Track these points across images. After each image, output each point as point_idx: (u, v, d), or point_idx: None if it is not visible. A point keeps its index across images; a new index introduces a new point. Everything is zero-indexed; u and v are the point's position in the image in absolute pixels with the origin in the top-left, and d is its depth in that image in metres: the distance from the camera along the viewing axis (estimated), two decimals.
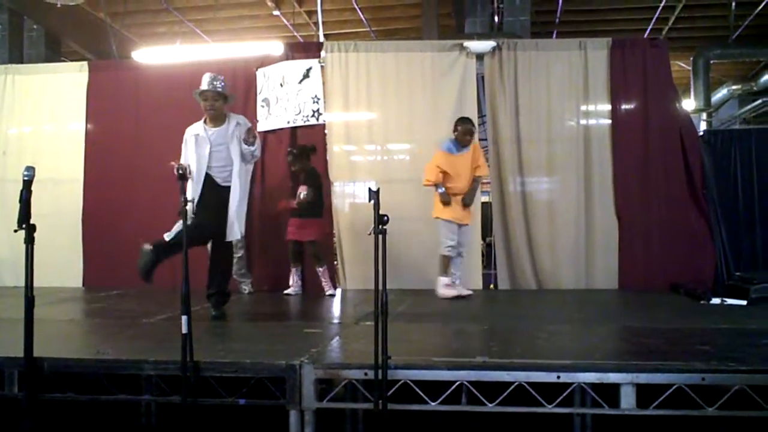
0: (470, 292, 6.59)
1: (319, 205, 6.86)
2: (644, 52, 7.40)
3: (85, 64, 8.34)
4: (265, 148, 7.67)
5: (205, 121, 5.42)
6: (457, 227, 6.53)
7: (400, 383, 3.46)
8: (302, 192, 6.57)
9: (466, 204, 6.56)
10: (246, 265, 7.17)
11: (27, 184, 3.40)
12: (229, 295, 5.57)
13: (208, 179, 5.32)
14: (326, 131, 7.58)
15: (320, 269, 6.79)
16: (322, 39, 10.70)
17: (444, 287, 6.49)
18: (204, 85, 5.32)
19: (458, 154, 6.56)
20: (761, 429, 3.88)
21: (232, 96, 5.58)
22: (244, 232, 5.59)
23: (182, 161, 5.30)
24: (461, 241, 6.58)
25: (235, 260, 7.03)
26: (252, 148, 5.35)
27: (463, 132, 6.55)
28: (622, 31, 11.86)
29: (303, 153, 6.83)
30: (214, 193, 5.29)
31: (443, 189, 6.49)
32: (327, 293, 6.75)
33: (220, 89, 5.31)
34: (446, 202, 6.49)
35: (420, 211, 7.24)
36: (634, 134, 7.30)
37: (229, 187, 5.33)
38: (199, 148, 5.32)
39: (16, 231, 3.34)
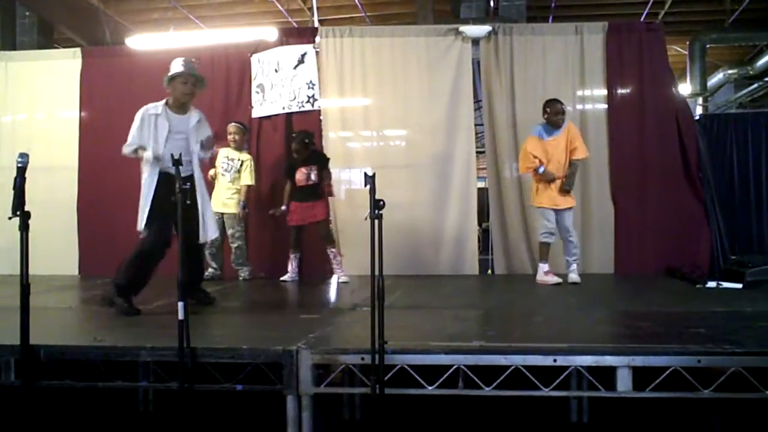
0: (577, 280, 6.35)
1: (322, 187, 6.83)
2: (640, 37, 7.38)
3: (78, 50, 8.28)
4: (260, 135, 7.68)
5: (166, 104, 5.11)
6: (554, 213, 6.38)
7: (397, 368, 3.47)
8: (313, 173, 6.58)
9: (566, 190, 6.37)
10: (245, 254, 7.16)
11: (21, 171, 3.39)
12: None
13: (162, 174, 4.98)
14: (321, 117, 7.56)
15: (333, 250, 6.74)
16: (316, 24, 10.65)
17: (543, 274, 6.42)
18: (185, 68, 5.04)
19: (549, 139, 6.40)
20: (757, 411, 3.91)
21: (204, 82, 5.29)
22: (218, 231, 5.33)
23: (133, 141, 5.04)
24: (564, 226, 6.41)
25: (232, 249, 7.05)
26: (205, 156, 5.19)
27: (554, 112, 6.38)
28: (618, 16, 11.81)
29: (310, 140, 6.77)
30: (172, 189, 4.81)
31: (543, 168, 6.32)
32: (340, 280, 6.66)
33: (196, 73, 5.10)
34: (550, 180, 6.32)
35: (416, 196, 7.26)
36: (630, 119, 7.29)
37: (187, 178, 4.77)
38: (159, 130, 5.02)
39: (10, 218, 3.33)
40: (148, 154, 4.95)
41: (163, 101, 5.13)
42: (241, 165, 7.05)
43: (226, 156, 7.09)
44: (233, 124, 7.15)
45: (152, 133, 5.01)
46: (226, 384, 3.59)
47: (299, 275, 6.94)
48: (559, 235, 6.47)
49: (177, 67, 5.09)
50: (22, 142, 7.69)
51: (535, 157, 6.36)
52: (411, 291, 6.06)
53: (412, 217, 7.23)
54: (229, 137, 7.08)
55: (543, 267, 6.46)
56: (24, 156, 3.41)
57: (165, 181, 4.88)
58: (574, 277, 6.37)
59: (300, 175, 6.62)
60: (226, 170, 7.06)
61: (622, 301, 5.77)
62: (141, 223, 5.01)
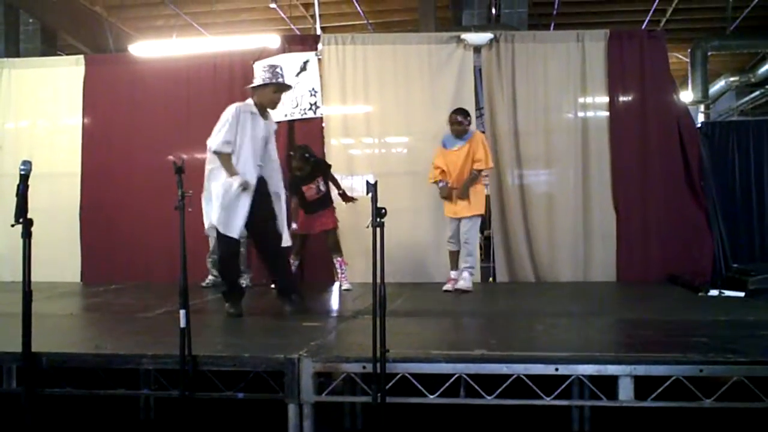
0: (468, 288, 6.40)
1: (330, 194, 6.81)
2: (642, 44, 7.39)
3: (81, 57, 8.32)
4: None
5: (256, 107, 5.10)
6: (456, 222, 6.48)
7: (398, 376, 3.47)
8: (321, 184, 6.57)
9: (460, 197, 6.43)
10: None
11: (24, 179, 3.39)
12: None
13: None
14: (324, 124, 7.58)
15: (339, 259, 6.73)
16: (319, 32, 10.69)
17: (447, 281, 6.53)
18: (282, 79, 5.10)
19: (450, 149, 6.50)
20: (759, 420, 3.90)
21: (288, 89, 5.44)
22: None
23: (229, 138, 4.91)
24: (458, 233, 6.49)
25: None
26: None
27: (450, 122, 6.50)
28: (619, 23, 11.84)
29: (311, 153, 6.70)
30: (257, 187, 5.02)
31: (443, 183, 6.46)
32: (343, 288, 6.65)
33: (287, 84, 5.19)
34: (444, 197, 6.49)
35: (418, 204, 7.25)
36: (631, 126, 7.29)
37: (260, 180, 5.05)
38: (255, 129, 5.01)
39: (13, 225, 3.34)
40: (239, 180, 4.87)
41: (252, 102, 5.12)
42: None
43: None
44: None
45: (244, 131, 4.96)
46: (228, 392, 3.59)
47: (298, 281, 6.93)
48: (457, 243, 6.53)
49: (270, 75, 5.08)
50: (25, 149, 7.72)
51: (437, 167, 6.49)
52: (413, 299, 6.05)
53: (414, 224, 7.23)
54: None
55: (451, 273, 6.55)
56: (27, 163, 3.42)
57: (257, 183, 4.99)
58: (462, 284, 6.40)
59: (309, 191, 6.57)
60: None
61: (624, 309, 5.76)
62: (222, 225, 4.94)
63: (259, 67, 5.25)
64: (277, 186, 5.22)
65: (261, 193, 5.03)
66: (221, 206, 4.90)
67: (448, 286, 6.46)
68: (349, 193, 6.83)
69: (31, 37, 10.63)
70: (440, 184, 6.47)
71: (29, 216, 3.36)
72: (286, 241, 5.19)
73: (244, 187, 4.88)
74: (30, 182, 3.41)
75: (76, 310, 6.09)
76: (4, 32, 10.28)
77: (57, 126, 8.16)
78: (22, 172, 3.40)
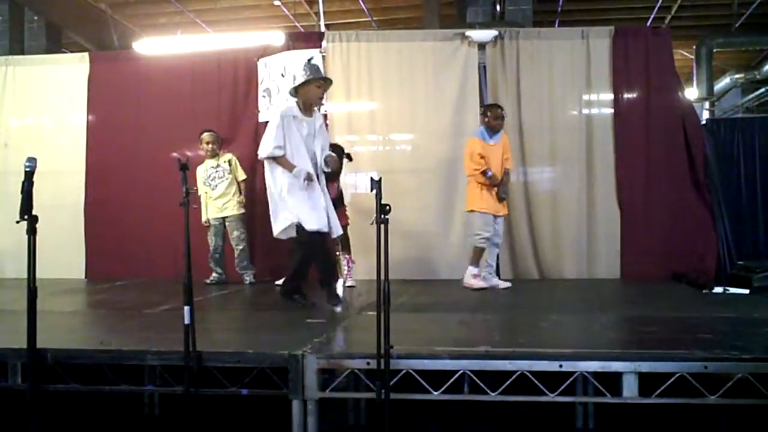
0: (508, 285, 6.49)
1: (343, 193, 6.82)
2: (647, 41, 7.38)
3: (85, 55, 8.33)
4: None
5: (299, 107, 5.17)
6: (493, 218, 6.45)
7: (402, 373, 3.47)
8: (339, 183, 6.58)
9: (502, 198, 6.45)
10: (248, 257, 7.17)
11: (29, 175, 3.40)
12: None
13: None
14: (328, 121, 7.56)
15: (347, 256, 6.73)
16: (323, 29, 10.68)
17: (472, 277, 6.43)
18: (312, 73, 5.11)
19: (491, 143, 6.46)
20: (764, 417, 3.89)
21: (331, 83, 5.47)
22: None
23: (278, 142, 5.00)
24: (497, 232, 6.50)
25: (236, 252, 7.05)
26: (325, 169, 5.26)
27: (494, 117, 6.45)
28: (624, 20, 11.81)
29: (348, 156, 6.70)
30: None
31: (491, 173, 6.35)
32: (347, 285, 6.64)
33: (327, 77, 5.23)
34: (495, 184, 6.37)
35: (422, 201, 7.25)
36: (636, 123, 7.28)
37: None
38: (301, 129, 5.09)
39: (18, 222, 3.35)
40: (301, 171, 4.98)
41: (295, 103, 5.20)
42: (230, 164, 7.10)
43: (210, 167, 7.12)
44: (208, 132, 7.18)
45: (296, 135, 5.06)
46: (232, 388, 3.59)
47: None
48: (491, 241, 6.49)
49: (310, 71, 5.13)
50: (29, 147, 7.72)
51: (482, 157, 6.38)
52: (417, 295, 6.05)
53: (419, 221, 7.23)
54: (207, 146, 7.11)
55: (473, 270, 6.46)
56: (32, 160, 3.43)
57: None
58: (500, 282, 6.51)
59: (332, 190, 6.55)
60: (217, 179, 7.06)
61: (628, 306, 5.76)
62: (304, 221, 5.01)
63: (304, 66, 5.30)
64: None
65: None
66: (294, 204, 5.01)
67: (478, 283, 6.38)
68: (352, 191, 6.85)
69: (36, 35, 10.65)
70: (488, 174, 6.34)
71: (34, 213, 3.37)
72: (338, 230, 5.26)
73: (309, 178, 4.98)
74: (35, 179, 3.42)
75: (80, 307, 6.12)
76: (9, 30, 10.29)
77: (61, 123, 8.18)
78: (27, 169, 3.41)
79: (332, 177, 6.52)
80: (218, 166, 7.10)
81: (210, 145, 7.10)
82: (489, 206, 6.41)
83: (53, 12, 10.62)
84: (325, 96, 5.41)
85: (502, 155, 6.48)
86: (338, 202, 6.62)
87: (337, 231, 5.27)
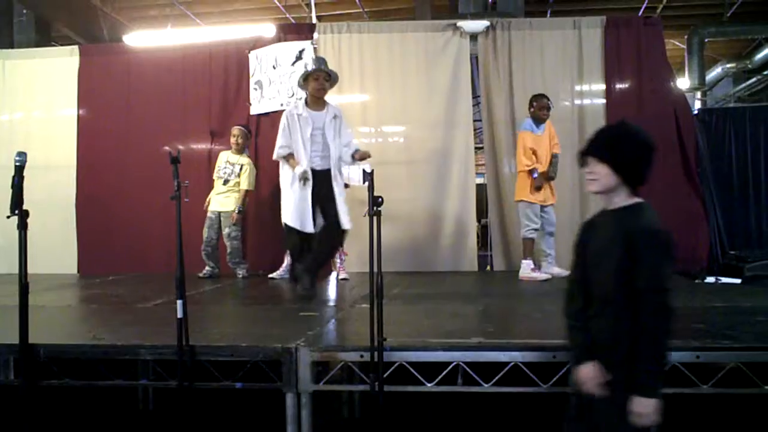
0: (565, 272, 6.46)
1: None
2: (638, 31, 7.38)
3: (75, 48, 8.28)
4: (258, 132, 7.67)
5: (306, 103, 5.37)
6: (541, 208, 6.50)
7: (396, 365, 3.47)
8: None
9: (551, 177, 6.52)
10: (240, 252, 7.14)
11: (19, 170, 3.37)
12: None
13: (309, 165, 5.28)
14: None
15: (339, 248, 6.74)
16: (314, 20, 10.63)
17: (529, 271, 6.46)
18: (315, 65, 5.31)
19: (538, 133, 6.52)
20: (756, 406, 3.92)
21: (336, 76, 5.49)
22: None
23: (283, 143, 5.31)
24: (549, 221, 6.55)
25: (228, 249, 7.02)
26: (352, 163, 5.41)
27: (540, 107, 6.50)
28: (616, 10, 11.79)
29: None
30: (316, 181, 5.26)
31: (537, 174, 6.43)
32: (340, 278, 6.66)
33: (328, 69, 5.31)
34: (539, 187, 6.43)
35: (415, 192, 7.24)
36: (628, 113, 7.25)
37: (324, 172, 5.29)
38: (303, 129, 5.27)
39: (8, 217, 3.32)
40: (299, 170, 5.23)
41: (303, 100, 5.42)
42: (241, 169, 7.02)
43: (227, 161, 7.06)
44: (238, 127, 7.12)
45: (298, 133, 5.27)
46: (226, 382, 3.59)
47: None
48: (542, 229, 6.54)
49: (312, 64, 5.38)
50: (19, 141, 7.70)
51: (534, 152, 6.39)
52: (410, 287, 6.06)
53: (411, 213, 7.22)
54: (232, 140, 7.06)
55: (529, 264, 6.49)
56: (22, 155, 3.40)
57: (313, 177, 5.26)
58: (559, 270, 6.47)
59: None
60: (227, 175, 7.01)
61: None
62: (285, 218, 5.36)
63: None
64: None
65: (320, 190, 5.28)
66: (284, 199, 5.38)
67: (534, 275, 6.43)
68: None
69: (25, 28, 10.55)
70: (534, 175, 6.41)
71: (25, 208, 3.34)
72: (346, 223, 5.32)
73: (304, 178, 5.18)
74: (25, 174, 3.39)
75: (73, 302, 6.10)
76: None
77: (52, 117, 8.14)
78: (17, 164, 3.38)
79: None
80: (234, 164, 7.04)
81: (235, 139, 7.05)
82: (537, 197, 6.46)
83: (42, 5, 10.53)
84: (331, 88, 5.45)
85: (550, 143, 6.54)
86: None
87: (347, 224, 5.35)
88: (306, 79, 5.30)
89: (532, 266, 6.47)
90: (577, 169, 7.14)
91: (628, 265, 2.20)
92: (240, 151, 7.08)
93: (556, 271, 6.52)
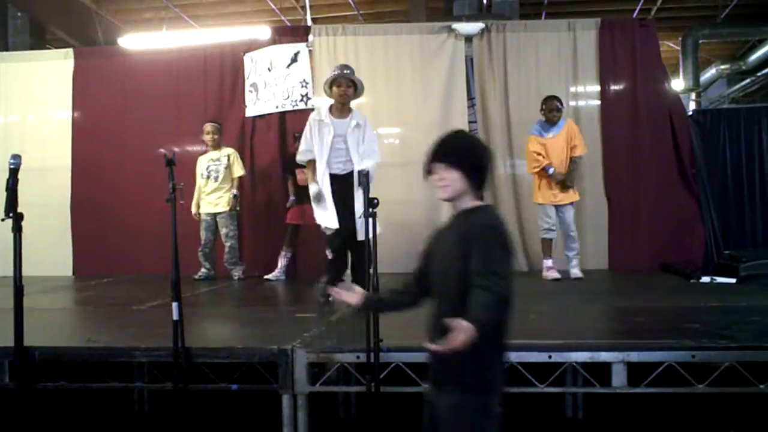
0: (580, 275, 6.41)
1: None
2: (633, 33, 7.42)
3: (70, 50, 8.28)
4: (254, 133, 7.67)
5: (330, 110, 5.30)
6: (555, 209, 6.45)
7: (392, 366, 3.47)
8: None
9: (568, 186, 6.43)
10: (237, 253, 7.13)
11: (13, 173, 3.37)
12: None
13: (331, 176, 5.23)
14: None
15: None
16: (309, 23, 10.63)
17: (547, 270, 6.48)
18: (337, 72, 5.23)
19: (547, 137, 6.45)
20: (751, 405, 3.92)
21: (361, 84, 5.35)
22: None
23: (305, 147, 5.26)
24: (566, 222, 6.47)
25: (226, 249, 7.02)
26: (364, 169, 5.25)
27: (549, 109, 6.45)
28: (610, 12, 11.81)
29: None
30: (336, 186, 5.20)
31: (552, 169, 6.37)
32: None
33: (352, 77, 5.24)
34: (559, 182, 6.39)
35: (410, 194, 7.23)
36: (623, 115, 7.31)
37: (346, 177, 5.20)
38: (322, 135, 5.22)
39: (3, 220, 3.32)
40: (313, 189, 5.23)
41: (328, 107, 5.35)
42: (229, 159, 7.02)
43: (210, 160, 7.05)
44: (209, 123, 7.10)
45: (317, 138, 5.22)
46: (222, 384, 3.59)
47: (286, 274, 6.94)
48: (560, 230, 6.51)
49: (333, 72, 5.29)
50: (14, 143, 7.68)
51: (539, 154, 6.38)
52: None
53: (407, 215, 7.21)
54: (207, 137, 7.04)
55: (547, 262, 6.50)
56: (16, 157, 3.39)
57: (333, 181, 5.19)
58: (576, 272, 6.40)
59: (302, 174, 6.59)
60: (214, 172, 7.00)
61: (617, 296, 5.79)
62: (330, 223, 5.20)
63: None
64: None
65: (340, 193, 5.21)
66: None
67: (554, 275, 6.42)
68: None
69: (20, 31, 10.52)
70: (550, 171, 6.37)
71: (20, 210, 3.33)
72: (361, 234, 5.11)
73: (317, 198, 5.18)
74: (20, 176, 3.39)
75: (68, 304, 6.09)
76: None
77: (47, 120, 8.15)
78: (12, 167, 3.38)
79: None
80: (218, 159, 7.04)
81: (210, 136, 7.03)
82: (545, 197, 6.46)
83: (37, 8, 10.51)
84: (357, 97, 5.33)
85: (567, 144, 6.43)
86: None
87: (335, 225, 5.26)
88: (330, 85, 5.22)
89: (549, 265, 6.48)
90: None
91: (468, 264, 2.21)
92: (217, 146, 7.08)
93: (573, 272, 6.44)
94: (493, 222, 2.28)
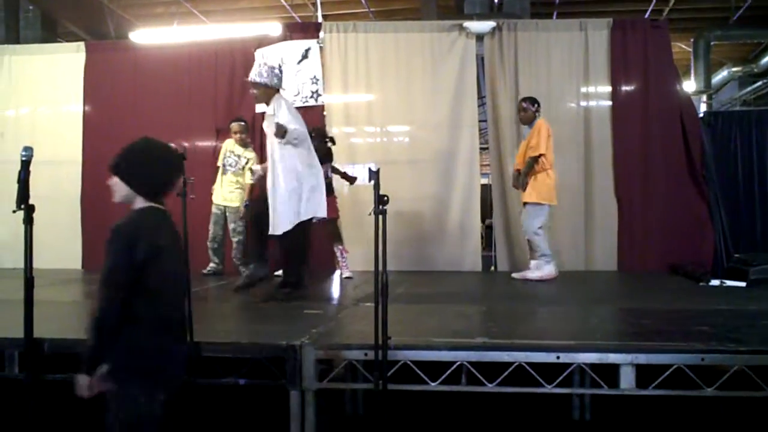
0: (528, 277, 6.49)
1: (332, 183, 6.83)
2: (645, 34, 7.38)
3: (82, 44, 8.30)
4: (264, 130, 7.65)
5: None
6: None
7: (400, 364, 3.47)
8: (328, 170, 6.55)
9: (515, 186, 6.63)
10: (244, 249, 7.12)
11: (25, 165, 3.36)
12: (291, 284, 5.44)
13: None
14: (325, 112, 7.55)
15: (340, 247, 6.73)
16: (320, 19, 10.63)
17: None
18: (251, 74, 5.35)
19: (524, 138, 6.65)
20: (760, 409, 3.90)
21: (265, 79, 5.30)
22: (289, 225, 5.23)
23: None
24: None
25: (234, 244, 7.02)
26: (282, 141, 5.16)
27: (517, 109, 6.66)
28: (622, 12, 11.76)
29: (331, 139, 6.73)
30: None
31: (516, 173, 6.66)
32: (344, 276, 6.66)
33: (254, 79, 5.29)
34: (515, 186, 6.69)
35: (420, 192, 7.24)
36: (634, 116, 7.27)
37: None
38: (268, 127, 5.32)
39: (14, 212, 3.32)
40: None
41: None
42: (247, 163, 7.01)
43: (231, 151, 7.05)
44: (237, 122, 7.08)
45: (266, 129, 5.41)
46: (229, 378, 3.59)
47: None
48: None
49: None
50: (25, 136, 7.70)
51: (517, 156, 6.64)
52: (414, 287, 6.06)
53: (416, 213, 7.22)
54: (235, 136, 7.03)
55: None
56: (28, 149, 3.39)
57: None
58: (525, 273, 6.57)
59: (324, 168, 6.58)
60: (230, 166, 7.02)
61: (625, 298, 5.77)
62: (284, 222, 5.19)
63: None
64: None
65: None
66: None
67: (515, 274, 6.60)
68: (347, 182, 6.84)
69: (31, 25, 10.54)
70: (514, 174, 6.61)
71: (31, 202, 3.34)
72: (275, 228, 5.20)
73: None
74: (31, 169, 3.39)
75: (78, 297, 6.11)
76: (5, 19, 10.21)
77: (58, 113, 8.16)
78: (24, 158, 3.37)
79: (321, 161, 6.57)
80: (239, 156, 7.04)
81: (238, 135, 7.02)
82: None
83: (49, 1, 10.54)
84: (263, 92, 5.35)
85: (526, 145, 6.50)
86: (327, 191, 6.64)
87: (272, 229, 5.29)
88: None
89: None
90: (582, 167, 7.18)
91: None
92: (244, 144, 7.07)
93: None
94: (120, 223, 2.52)
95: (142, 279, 2.44)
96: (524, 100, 6.58)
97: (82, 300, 5.91)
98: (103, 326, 2.41)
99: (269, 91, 5.27)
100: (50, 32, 10.74)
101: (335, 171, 6.68)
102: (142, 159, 2.59)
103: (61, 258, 7.66)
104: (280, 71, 5.39)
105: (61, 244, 7.71)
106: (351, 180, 6.76)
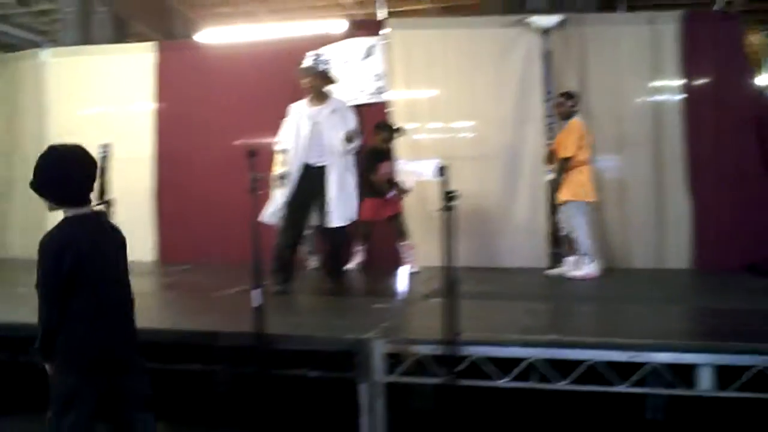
0: (566, 275, 6.47)
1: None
2: (716, 26, 7.18)
3: (154, 44, 8.53)
4: None
5: (309, 99, 5.50)
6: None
7: (469, 359, 3.46)
8: (391, 167, 6.60)
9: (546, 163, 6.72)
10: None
11: (103, 161, 3.50)
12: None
13: (304, 166, 5.37)
14: (389, 109, 7.57)
15: (405, 242, 6.77)
16: (383, 16, 10.67)
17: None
18: (302, 65, 5.43)
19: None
20: None
21: (326, 74, 5.50)
22: (351, 218, 5.48)
23: (280, 138, 5.49)
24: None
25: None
26: (348, 148, 5.33)
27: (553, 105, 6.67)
28: (691, 5, 11.43)
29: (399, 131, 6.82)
30: (307, 175, 5.33)
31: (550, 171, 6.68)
32: (411, 271, 6.66)
33: (312, 67, 5.39)
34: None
35: (485, 188, 7.18)
36: (705, 110, 7.05)
37: (320, 169, 5.32)
38: (302, 123, 5.39)
39: (95, 206, 3.44)
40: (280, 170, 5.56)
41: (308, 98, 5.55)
42: None
43: None
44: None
45: (294, 127, 5.44)
46: (300, 370, 3.64)
47: (363, 266, 7.03)
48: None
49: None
50: (95, 135, 7.89)
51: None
52: (481, 282, 6.00)
53: (481, 209, 7.16)
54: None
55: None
56: (106, 146, 3.54)
57: (305, 171, 5.35)
58: (564, 269, 6.55)
59: (385, 168, 6.61)
60: None
61: (701, 297, 5.61)
62: (343, 215, 5.36)
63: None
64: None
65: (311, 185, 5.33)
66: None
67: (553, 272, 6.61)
68: (413, 178, 6.87)
69: (103, 25, 10.88)
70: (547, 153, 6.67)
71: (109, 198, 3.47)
72: (332, 221, 5.31)
73: (281, 178, 5.40)
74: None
75: (152, 289, 6.27)
76: (77, 20, 10.57)
77: (128, 111, 8.38)
78: (102, 155, 3.51)
79: (386, 155, 6.59)
80: None
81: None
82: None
83: (120, 2, 10.87)
84: (320, 83, 5.48)
85: (558, 143, 6.50)
86: (393, 186, 6.66)
87: (329, 221, 5.37)
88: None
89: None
90: (652, 164, 7.01)
91: None
92: None
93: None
94: (44, 238, 2.60)
95: (73, 282, 2.58)
96: (561, 94, 6.56)
97: (157, 292, 6.07)
98: (46, 328, 2.59)
99: (317, 79, 5.39)
100: (120, 33, 11.06)
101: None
102: (49, 173, 2.65)
103: (137, 251, 7.84)
104: (326, 61, 5.53)
105: (135, 238, 7.90)
106: (403, 192, 6.85)
